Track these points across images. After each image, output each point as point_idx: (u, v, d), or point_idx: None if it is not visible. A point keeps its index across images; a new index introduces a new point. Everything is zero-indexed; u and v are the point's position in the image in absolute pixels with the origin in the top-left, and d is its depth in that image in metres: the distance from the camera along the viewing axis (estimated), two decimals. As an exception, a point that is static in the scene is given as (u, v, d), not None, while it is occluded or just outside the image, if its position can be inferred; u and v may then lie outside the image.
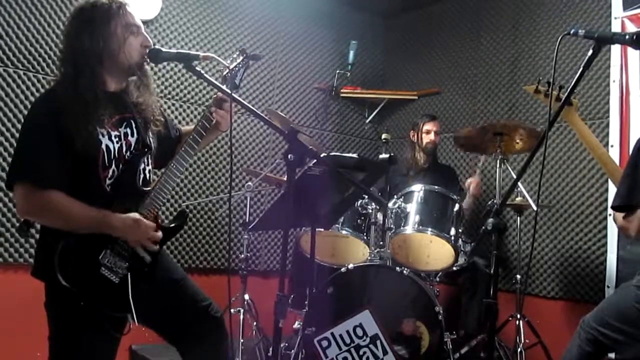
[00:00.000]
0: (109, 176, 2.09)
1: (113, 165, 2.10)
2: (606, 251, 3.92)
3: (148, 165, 2.27)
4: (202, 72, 2.10)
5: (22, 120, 2.25)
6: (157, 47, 2.15)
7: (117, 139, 2.12)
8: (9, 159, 3.66)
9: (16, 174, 2.02)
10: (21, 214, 2.12)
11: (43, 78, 3.86)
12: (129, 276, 2.11)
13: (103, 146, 2.06)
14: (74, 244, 1.99)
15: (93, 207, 2.02)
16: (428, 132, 4.49)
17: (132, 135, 2.19)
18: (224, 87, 2.28)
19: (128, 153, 2.16)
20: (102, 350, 2.12)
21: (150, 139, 2.29)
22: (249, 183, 4.05)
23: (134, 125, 2.21)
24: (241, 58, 2.40)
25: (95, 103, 2.04)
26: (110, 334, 2.11)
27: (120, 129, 2.14)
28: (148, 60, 2.18)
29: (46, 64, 3.90)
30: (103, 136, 2.07)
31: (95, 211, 2.02)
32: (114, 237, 2.08)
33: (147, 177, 2.26)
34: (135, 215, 2.11)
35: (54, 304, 2.08)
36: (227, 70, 2.37)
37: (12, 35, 3.77)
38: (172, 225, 2.37)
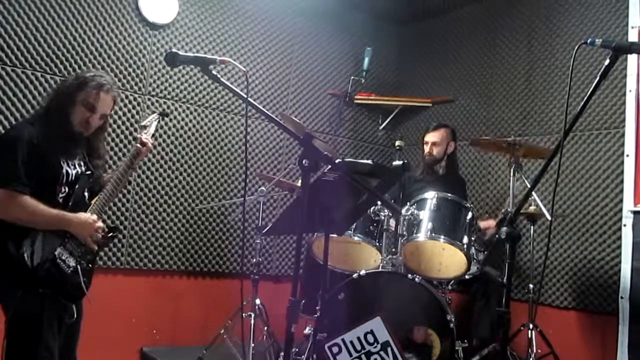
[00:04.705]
0: (62, 191, 2.64)
1: (66, 185, 2.65)
2: (620, 262, 3.88)
3: (90, 186, 2.82)
4: (218, 76, 2.12)
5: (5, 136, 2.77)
6: (174, 50, 2.17)
7: (73, 167, 2.68)
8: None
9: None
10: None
11: (51, 78, 3.91)
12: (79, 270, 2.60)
13: (64, 170, 2.61)
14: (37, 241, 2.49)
15: (53, 208, 2.55)
16: (426, 144, 4.42)
17: (85, 165, 2.78)
18: (238, 90, 2.29)
19: (78, 176, 2.71)
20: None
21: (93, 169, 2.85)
22: (262, 187, 4.06)
23: (85, 158, 2.79)
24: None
25: (64, 139, 2.62)
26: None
27: (76, 160, 2.72)
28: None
29: (54, 64, 3.96)
30: (64, 162, 2.64)
31: (55, 210, 2.55)
32: (67, 238, 2.58)
33: (89, 196, 2.81)
34: (85, 214, 2.67)
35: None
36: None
37: (20, 35, 3.83)
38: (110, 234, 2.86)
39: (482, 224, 4.11)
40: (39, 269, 2.44)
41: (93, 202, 2.75)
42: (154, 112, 3.14)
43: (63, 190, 2.64)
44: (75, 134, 2.67)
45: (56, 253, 2.53)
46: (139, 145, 2.90)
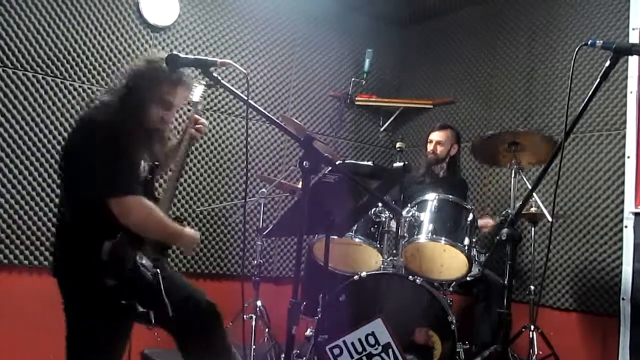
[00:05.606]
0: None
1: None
2: (622, 263, 3.88)
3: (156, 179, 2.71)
4: (219, 78, 2.12)
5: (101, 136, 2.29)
6: (175, 52, 2.17)
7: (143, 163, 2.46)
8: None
9: (118, 189, 2.24)
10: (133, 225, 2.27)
11: (52, 80, 3.93)
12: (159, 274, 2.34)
13: (141, 168, 2.41)
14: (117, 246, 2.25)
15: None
16: (430, 142, 4.42)
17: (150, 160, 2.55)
18: (239, 92, 2.29)
19: (151, 171, 2.53)
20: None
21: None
22: (263, 189, 4.06)
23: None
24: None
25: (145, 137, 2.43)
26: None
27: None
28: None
29: (55, 67, 3.97)
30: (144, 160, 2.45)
31: (175, 223, 2.42)
32: (143, 244, 2.34)
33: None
34: (192, 230, 2.52)
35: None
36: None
37: (21, 37, 3.83)
38: None
39: (480, 222, 4.12)
40: (124, 277, 2.23)
41: (162, 198, 2.56)
42: (198, 85, 2.84)
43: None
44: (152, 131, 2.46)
45: (138, 258, 2.30)
46: (193, 130, 2.72)
